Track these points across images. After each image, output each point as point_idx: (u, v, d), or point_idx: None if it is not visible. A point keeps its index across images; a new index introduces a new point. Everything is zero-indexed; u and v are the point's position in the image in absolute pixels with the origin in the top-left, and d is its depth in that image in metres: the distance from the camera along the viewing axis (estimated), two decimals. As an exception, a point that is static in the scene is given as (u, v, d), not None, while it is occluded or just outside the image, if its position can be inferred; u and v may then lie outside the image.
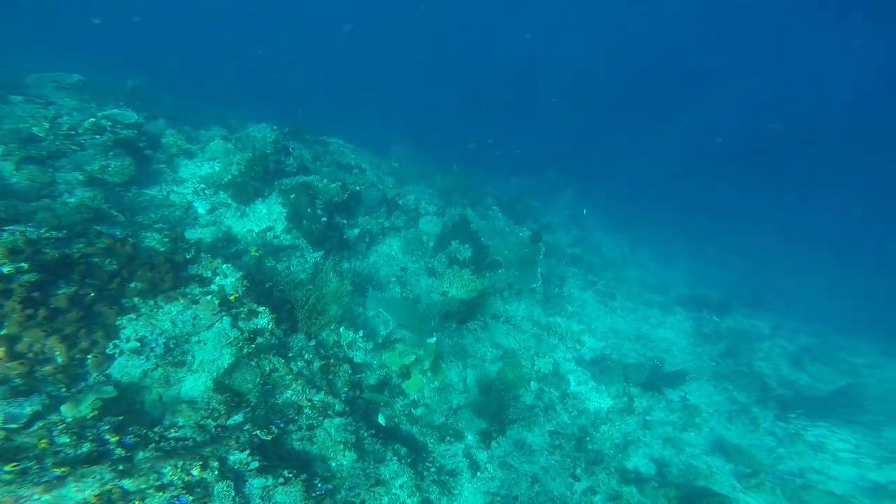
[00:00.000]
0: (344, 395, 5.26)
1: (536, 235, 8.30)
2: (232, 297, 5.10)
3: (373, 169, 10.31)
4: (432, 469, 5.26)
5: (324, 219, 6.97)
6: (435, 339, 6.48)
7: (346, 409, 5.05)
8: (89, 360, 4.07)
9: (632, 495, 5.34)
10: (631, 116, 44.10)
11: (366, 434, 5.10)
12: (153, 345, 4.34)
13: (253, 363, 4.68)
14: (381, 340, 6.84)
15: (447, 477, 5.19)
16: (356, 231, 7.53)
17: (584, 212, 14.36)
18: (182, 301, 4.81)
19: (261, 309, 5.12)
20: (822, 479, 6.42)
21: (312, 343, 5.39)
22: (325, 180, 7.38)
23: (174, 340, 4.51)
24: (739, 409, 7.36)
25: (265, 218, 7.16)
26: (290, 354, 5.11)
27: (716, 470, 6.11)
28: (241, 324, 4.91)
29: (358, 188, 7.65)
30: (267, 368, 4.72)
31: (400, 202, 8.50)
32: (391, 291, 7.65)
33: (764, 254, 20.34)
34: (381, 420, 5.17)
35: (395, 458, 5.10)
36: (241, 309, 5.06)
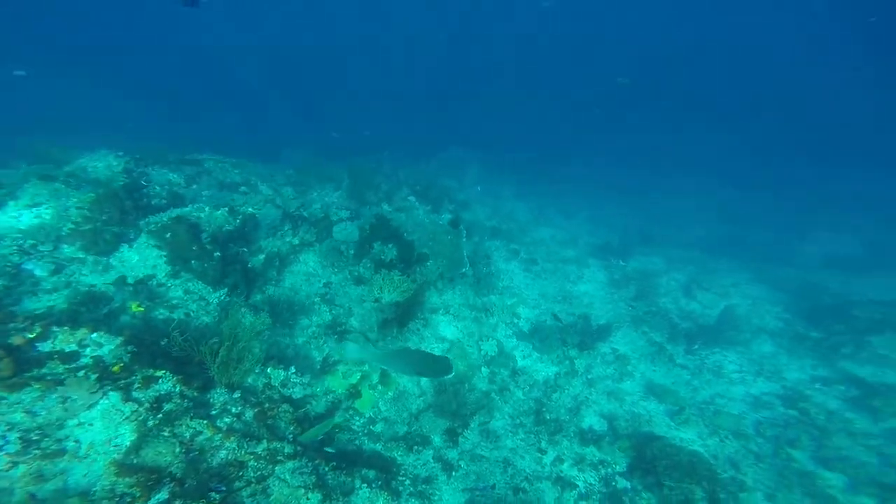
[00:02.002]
0: (291, 435, 4.88)
1: (456, 220, 8.28)
2: (115, 368, 4.30)
3: (265, 182, 9.20)
4: (407, 482, 5.05)
5: (217, 253, 6.03)
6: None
7: (298, 449, 4.68)
8: None
9: (593, 455, 5.70)
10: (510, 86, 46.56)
11: (326, 468, 4.74)
12: (1, 442, 3.62)
13: (166, 433, 4.06)
14: (319, 367, 6.34)
15: (424, 486, 5.03)
16: (261, 257, 6.68)
17: (479, 189, 14.87)
18: (37, 386, 3.92)
19: (160, 373, 4.44)
20: (725, 402, 7.37)
21: (237, 394, 4.83)
22: (206, 208, 6.34)
23: (38, 431, 3.73)
24: (657, 349, 8.20)
25: (140, 266, 5.98)
26: (214, 412, 4.53)
27: (653, 413, 6.73)
28: (136, 395, 4.21)
29: (250, 209, 6.74)
30: (187, 435, 4.13)
31: (306, 214, 7.71)
32: (319, 313, 7.04)
33: (642, 189, 23.07)
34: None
35: (365, 484, 4.82)
36: (133, 378, 4.32)
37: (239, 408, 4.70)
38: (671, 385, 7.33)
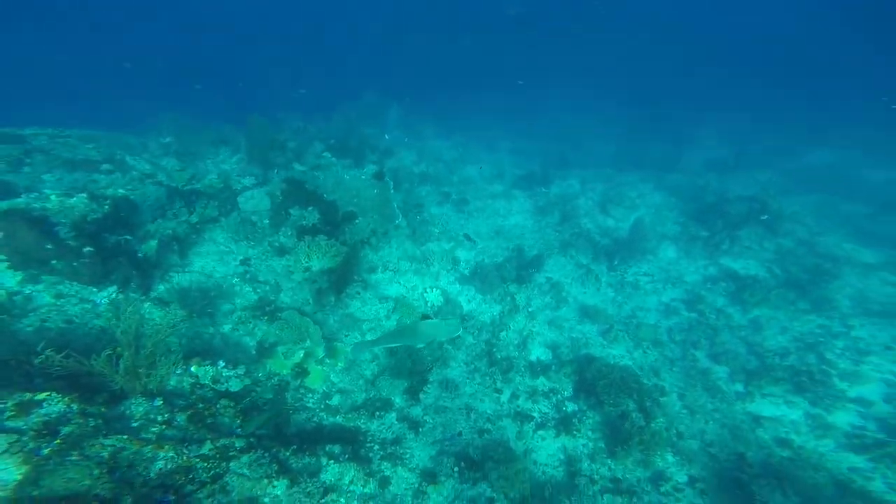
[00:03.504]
0: (240, 429, 4.66)
1: (381, 171, 7.61)
2: (-32, 401, 3.69)
3: (137, 155, 7.42)
4: (376, 448, 5.06)
5: (87, 248, 4.87)
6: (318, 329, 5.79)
7: (251, 440, 4.50)
8: None
9: (544, 385, 6.14)
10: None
11: (287, 453, 4.63)
12: None
13: (74, 457, 3.65)
14: (254, 353, 5.85)
15: (394, 447, 5.09)
16: (153, 243, 5.56)
17: (387, 136, 13.99)
18: None
19: (42, 395, 3.90)
20: (644, 313, 8.16)
21: (159, 402, 4.39)
22: (53, 196, 5.01)
23: None
24: (585, 271, 8.73)
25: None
26: (135, 424, 4.14)
27: (588, 335, 7.29)
28: (13, 424, 3.72)
29: (121, 191, 5.40)
30: (105, 454, 3.75)
31: (199, 187, 6.43)
32: (241, 294, 6.28)
33: (553, 113, 23.66)
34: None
35: (332, 459, 4.75)
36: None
37: (166, 415, 4.34)
38: (600, 304, 8.04)
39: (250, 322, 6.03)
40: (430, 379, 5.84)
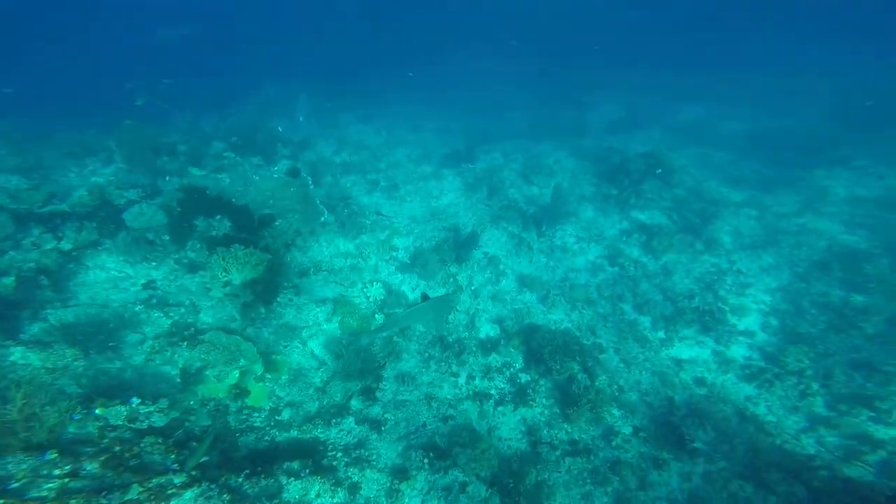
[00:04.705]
0: (176, 464, 4.22)
1: (294, 169, 6.93)
2: None
3: None
4: (339, 455, 4.83)
5: None
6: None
7: (194, 473, 4.13)
8: None
9: (496, 361, 6.26)
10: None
11: (239, 479, 4.30)
12: None
13: None
14: (180, 381, 5.21)
15: (358, 451, 4.89)
16: (9, 280, 4.47)
17: (301, 119, 13.05)
18: None
19: None
20: (575, 274, 8.63)
21: (53, 454, 3.79)
22: None
23: None
24: (517, 241, 8.98)
25: None
26: (16, 485, 3.55)
27: (529, 305, 7.52)
28: None
29: None
30: None
31: (64, 206, 5.18)
32: (150, 321, 5.46)
33: (465, 91, 23.77)
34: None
35: (292, 477, 4.49)
36: None
37: (66, 466, 3.78)
38: (535, 272, 8.35)
39: (167, 350, 5.33)
40: (385, 375, 5.66)
